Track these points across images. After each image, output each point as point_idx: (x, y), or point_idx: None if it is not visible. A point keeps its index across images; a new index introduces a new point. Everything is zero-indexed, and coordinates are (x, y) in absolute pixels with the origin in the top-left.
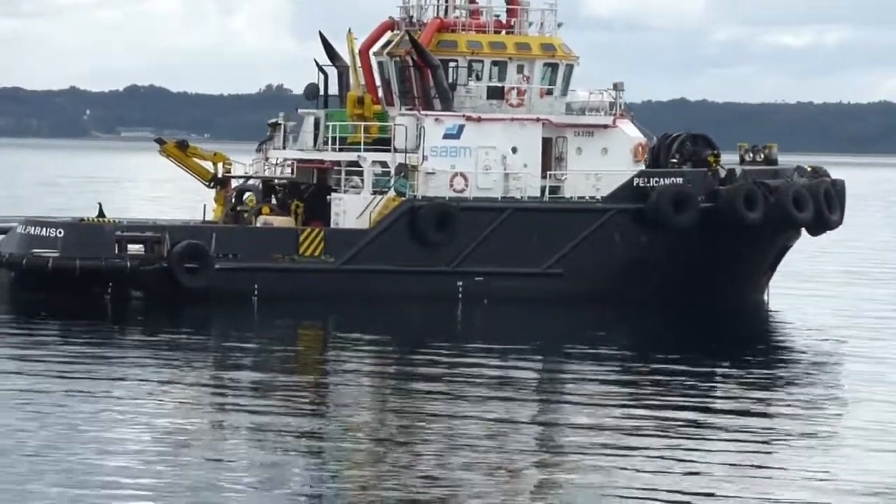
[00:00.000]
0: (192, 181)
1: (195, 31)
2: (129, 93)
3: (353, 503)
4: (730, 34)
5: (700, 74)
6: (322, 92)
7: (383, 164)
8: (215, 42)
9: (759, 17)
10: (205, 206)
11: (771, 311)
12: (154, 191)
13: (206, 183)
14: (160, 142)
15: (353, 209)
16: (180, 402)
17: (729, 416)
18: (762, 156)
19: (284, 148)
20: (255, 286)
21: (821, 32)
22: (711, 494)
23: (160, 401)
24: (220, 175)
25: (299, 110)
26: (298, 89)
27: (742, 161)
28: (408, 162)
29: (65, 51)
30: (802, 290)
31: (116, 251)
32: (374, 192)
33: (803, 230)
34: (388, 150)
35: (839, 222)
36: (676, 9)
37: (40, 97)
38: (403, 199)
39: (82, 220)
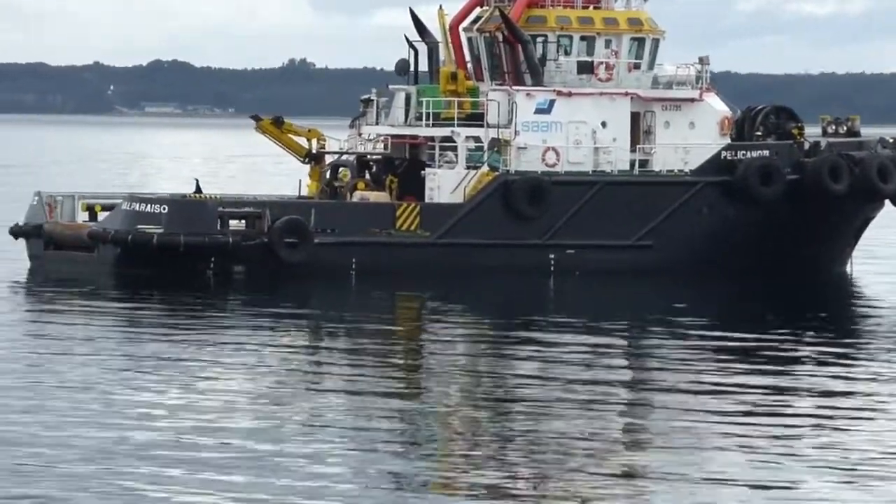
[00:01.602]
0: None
1: (218, 4)
2: (152, 68)
3: (439, 481)
4: (753, 4)
5: (722, 46)
6: (412, 68)
7: (476, 139)
8: (237, 15)
9: None
10: (300, 181)
11: (855, 282)
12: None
13: (301, 159)
14: (256, 118)
15: (447, 184)
16: (283, 371)
17: (809, 393)
18: (845, 128)
19: (377, 124)
20: (353, 260)
21: (843, 2)
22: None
23: (262, 369)
24: (314, 151)
25: (390, 86)
26: (321, 63)
27: (824, 133)
28: (500, 137)
29: (88, 25)
30: (886, 261)
31: (219, 227)
32: (468, 167)
33: (887, 202)
34: (481, 126)
35: None
36: None
37: (64, 72)
38: (497, 173)
39: (184, 196)
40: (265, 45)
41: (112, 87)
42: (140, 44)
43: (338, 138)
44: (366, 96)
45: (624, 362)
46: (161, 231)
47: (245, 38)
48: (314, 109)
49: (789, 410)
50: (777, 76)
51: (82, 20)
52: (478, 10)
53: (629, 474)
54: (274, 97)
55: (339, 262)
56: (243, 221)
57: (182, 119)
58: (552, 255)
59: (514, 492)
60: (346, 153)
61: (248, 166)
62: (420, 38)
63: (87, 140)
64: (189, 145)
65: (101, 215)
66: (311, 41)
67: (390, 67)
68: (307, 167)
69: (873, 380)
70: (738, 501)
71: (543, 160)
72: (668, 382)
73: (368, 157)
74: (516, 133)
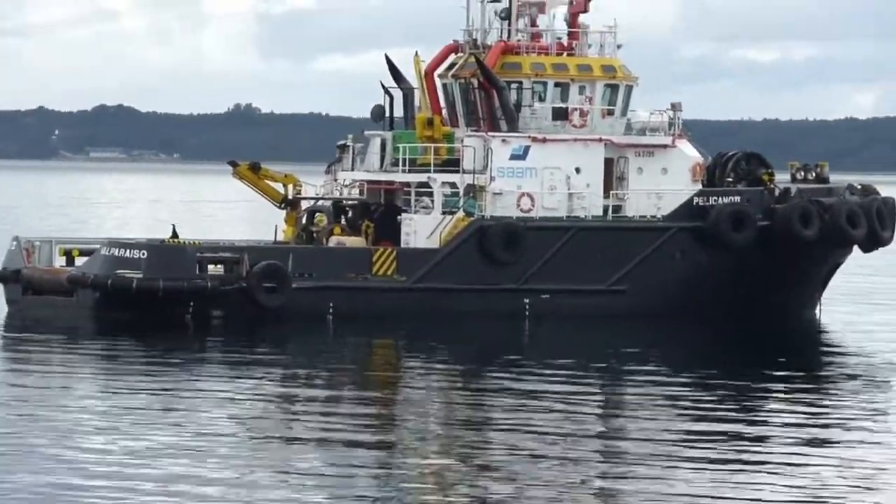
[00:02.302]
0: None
1: (164, 50)
2: (97, 112)
3: None
4: (698, 51)
5: (669, 91)
6: (388, 114)
7: (452, 185)
8: (184, 61)
9: (724, 33)
10: (276, 226)
11: (823, 327)
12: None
13: (278, 204)
14: (233, 164)
15: (423, 229)
16: (258, 418)
17: (779, 428)
18: (813, 174)
19: (353, 169)
20: (331, 304)
21: (787, 49)
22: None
23: (238, 410)
24: (290, 196)
25: (366, 132)
26: (266, 107)
27: (793, 179)
28: (476, 182)
29: (32, 69)
30: (853, 306)
31: (197, 271)
32: (444, 213)
33: (855, 247)
34: (457, 171)
35: (891, 239)
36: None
37: (8, 117)
38: (473, 219)
39: (163, 241)
40: (211, 90)
41: (56, 132)
42: (85, 88)
43: (314, 184)
44: (342, 142)
45: (597, 409)
46: (140, 276)
47: (191, 82)
48: (259, 154)
49: (755, 458)
50: (722, 122)
51: (26, 64)
52: (453, 57)
53: None
54: (219, 142)
55: (316, 307)
56: (222, 266)
57: (127, 164)
58: (527, 300)
59: None
60: (322, 199)
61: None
62: (395, 84)
63: (29, 185)
64: (136, 190)
65: (79, 260)
66: (256, 86)
67: (336, 112)
68: (282, 213)
69: (839, 425)
70: None
71: (519, 206)
72: (639, 429)
73: (344, 202)
74: (492, 179)
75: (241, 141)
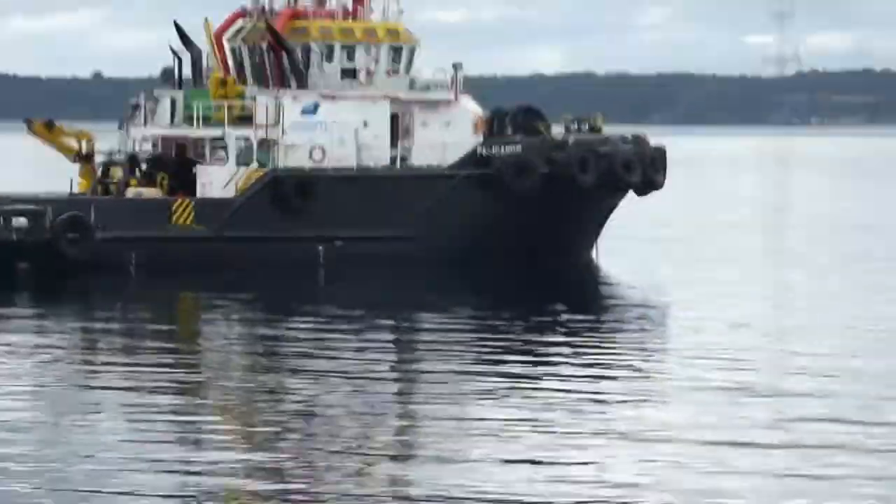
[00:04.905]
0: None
1: None
2: None
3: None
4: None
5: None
6: (177, 75)
7: (246, 139)
8: None
9: None
10: (71, 180)
11: (601, 267)
12: None
13: (72, 158)
14: (29, 122)
15: (218, 180)
16: (57, 367)
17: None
18: (587, 125)
19: (146, 125)
20: (133, 255)
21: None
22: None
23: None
24: (84, 152)
25: (155, 91)
26: None
27: (567, 131)
28: (269, 137)
29: None
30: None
31: (2, 223)
32: (239, 165)
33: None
34: (250, 127)
35: (663, 183)
36: None
37: None
38: (266, 169)
39: None
40: None
41: None
42: None
43: (108, 139)
44: (134, 100)
45: (390, 353)
46: None
47: None
48: None
49: (537, 394)
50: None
51: None
52: (240, 22)
53: (395, 457)
54: None
55: (119, 258)
56: (25, 219)
57: None
58: (321, 248)
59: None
60: (117, 153)
61: None
62: (185, 48)
63: None
64: None
65: None
66: None
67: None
68: (76, 166)
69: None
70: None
71: (311, 158)
72: (426, 369)
73: (139, 155)
74: (284, 133)
75: None
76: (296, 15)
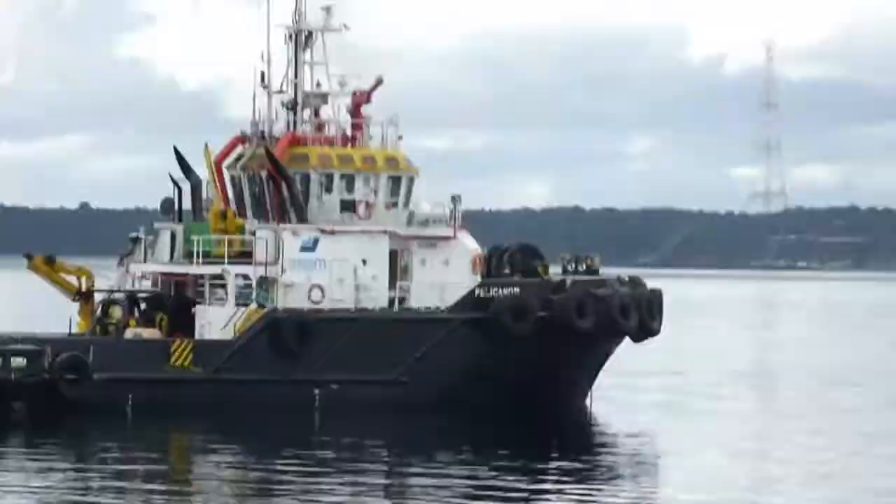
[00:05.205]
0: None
1: None
2: None
3: None
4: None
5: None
6: (177, 206)
7: (245, 276)
8: None
9: None
10: (70, 319)
11: (593, 414)
12: None
13: (72, 297)
14: (28, 256)
15: (217, 321)
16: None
17: None
18: (584, 265)
19: (145, 261)
20: (130, 396)
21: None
22: None
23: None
24: (83, 289)
25: (156, 224)
26: None
27: (564, 270)
28: (268, 274)
29: None
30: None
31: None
32: (238, 304)
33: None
34: (250, 263)
35: (659, 329)
36: None
37: None
38: (265, 310)
39: None
40: None
41: None
42: None
43: (108, 276)
44: (133, 234)
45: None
46: None
47: None
48: None
49: None
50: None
51: None
52: (240, 148)
53: None
54: None
55: (116, 398)
56: (24, 358)
57: None
58: (317, 391)
59: None
60: (116, 291)
61: None
62: (185, 176)
63: None
64: None
65: None
66: None
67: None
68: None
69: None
70: None
71: (309, 297)
72: None
73: (138, 294)
74: (283, 271)
75: None
76: (295, 140)
